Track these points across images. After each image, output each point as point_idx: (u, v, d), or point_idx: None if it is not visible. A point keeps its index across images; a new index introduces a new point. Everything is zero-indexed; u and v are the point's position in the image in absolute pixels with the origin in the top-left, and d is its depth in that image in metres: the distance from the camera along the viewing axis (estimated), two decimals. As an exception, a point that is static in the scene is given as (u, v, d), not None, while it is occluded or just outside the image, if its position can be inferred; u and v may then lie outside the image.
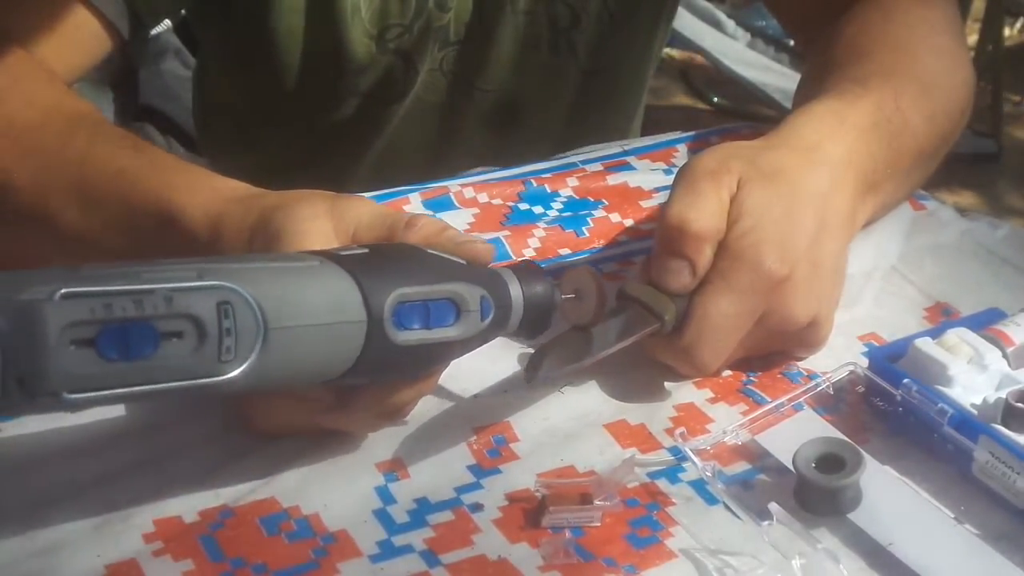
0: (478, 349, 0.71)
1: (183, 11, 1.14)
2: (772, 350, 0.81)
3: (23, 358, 0.55)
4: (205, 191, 0.76)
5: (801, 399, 0.77)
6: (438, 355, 0.69)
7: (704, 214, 0.77)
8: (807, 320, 0.78)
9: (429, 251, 0.69)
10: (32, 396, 0.56)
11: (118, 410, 0.76)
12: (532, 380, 0.72)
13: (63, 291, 0.56)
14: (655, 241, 0.79)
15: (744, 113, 2.98)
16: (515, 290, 0.71)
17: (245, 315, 0.60)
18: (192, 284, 0.59)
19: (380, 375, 0.68)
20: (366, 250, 0.68)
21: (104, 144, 0.83)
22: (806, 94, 0.92)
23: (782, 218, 0.78)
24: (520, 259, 0.72)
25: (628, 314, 0.77)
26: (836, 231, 0.81)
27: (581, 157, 1.03)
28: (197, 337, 0.59)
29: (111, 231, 0.79)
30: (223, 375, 0.60)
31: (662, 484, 0.72)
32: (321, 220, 0.70)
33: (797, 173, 0.80)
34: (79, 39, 0.95)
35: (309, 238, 0.69)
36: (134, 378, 0.58)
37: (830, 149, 0.83)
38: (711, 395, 0.79)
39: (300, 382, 0.66)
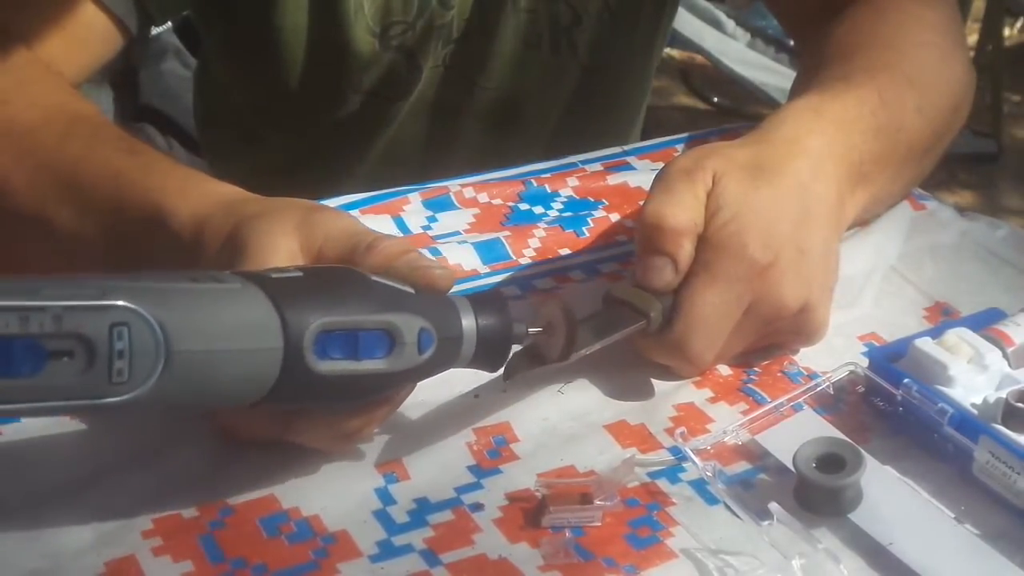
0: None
1: (187, 10, 1.14)
2: (770, 342, 0.81)
3: None
4: (196, 195, 0.76)
5: (801, 399, 0.77)
6: (369, 386, 0.67)
7: (680, 209, 0.77)
8: (798, 305, 0.78)
9: (373, 278, 0.67)
10: None
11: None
12: (510, 378, 0.72)
13: None
14: (636, 243, 0.79)
15: (744, 113, 2.98)
16: (468, 322, 0.68)
17: (143, 337, 0.59)
18: (86, 303, 0.58)
19: (304, 403, 0.67)
20: (300, 274, 0.66)
21: (101, 147, 0.84)
22: (795, 93, 0.93)
23: (762, 206, 0.78)
24: (487, 288, 0.70)
25: (612, 313, 0.77)
26: (822, 219, 0.81)
27: (581, 157, 1.03)
28: (86, 358, 0.58)
29: (104, 233, 0.80)
30: (115, 396, 0.59)
31: (662, 484, 0.72)
32: (287, 236, 0.70)
33: (775, 164, 0.81)
34: (89, 38, 0.96)
35: (272, 253, 0.69)
36: (16, 395, 0.57)
37: (809, 142, 0.83)
38: (711, 395, 0.79)
39: (213, 404, 0.65)
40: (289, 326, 0.63)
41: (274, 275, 0.65)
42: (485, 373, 0.75)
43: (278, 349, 0.63)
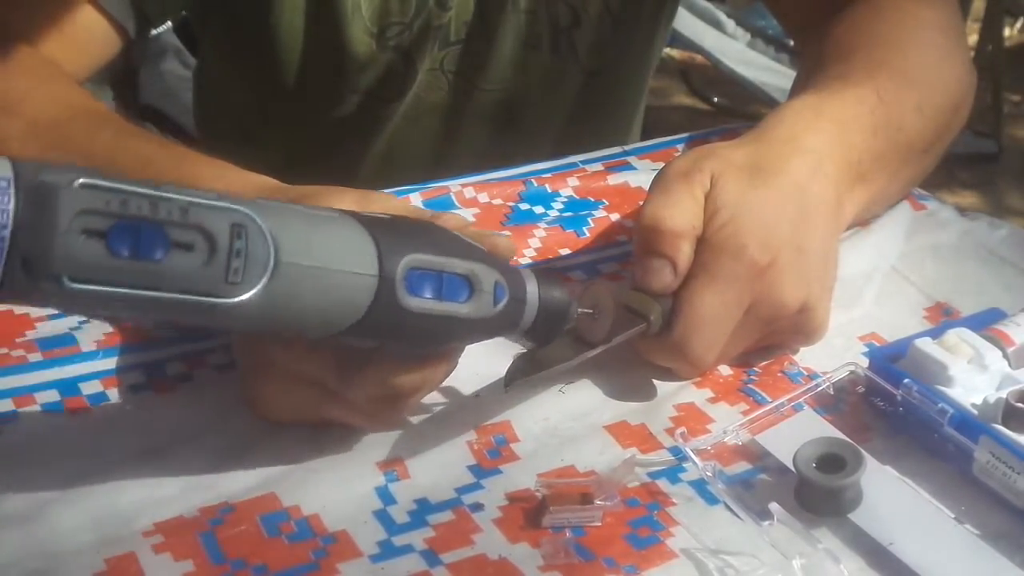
0: (480, 347, 0.71)
1: (185, 11, 1.15)
2: (770, 343, 0.81)
3: (31, 238, 0.56)
4: (233, 180, 0.78)
5: (801, 399, 0.77)
6: (446, 330, 0.68)
7: (678, 211, 0.77)
8: (797, 305, 0.78)
9: (454, 233, 0.69)
10: (35, 278, 0.56)
11: (118, 409, 0.76)
12: (512, 383, 0.73)
13: (82, 180, 0.57)
14: (634, 245, 0.79)
15: (744, 113, 2.98)
16: (532, 288, 0.71)
17: (257, 242, 0.61)
18: (209, 202, 0.60)
19: (386, 337, 0.68)
20: (388, 217, 0.68)
21: (131, 138, 0.84)
22: (794, 93, 0.93)
23: (760, 207, 0.78)
24: (549, 268, 0.72)
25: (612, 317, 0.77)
26: (820, 218, 0.81)
27: (581, 157, 1.03)
28: (207, 252, 0.60)
29: None
30: (227, 297, 0.60)
31: (662, 484, 0.72)
32: (349, 208, 0.70)
33: (772, 164, 0.80)
34: (87, 40, 0.96)
35: None
36: (138, 280, 0.59)
37: (807, 141, 0.83)
38: (711, 395, 0.79)
39: (305, 325, 0.66)
40: (384, 257, 0.65)
41: (366, 214, 0.67)
42: (486, 372, 0.75)
43: (374, 276, 0.64)
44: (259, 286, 0.61)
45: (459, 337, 0.70)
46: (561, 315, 0.72)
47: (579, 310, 0.73)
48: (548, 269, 0.74)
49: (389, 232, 0.66)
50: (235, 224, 0.60)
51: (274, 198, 0.73)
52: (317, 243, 0.63)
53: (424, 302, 0.66)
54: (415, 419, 0.76)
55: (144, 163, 0.81)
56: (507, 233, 0.90)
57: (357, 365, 0.69)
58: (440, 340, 0.69)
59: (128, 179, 0.58)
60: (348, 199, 0.72)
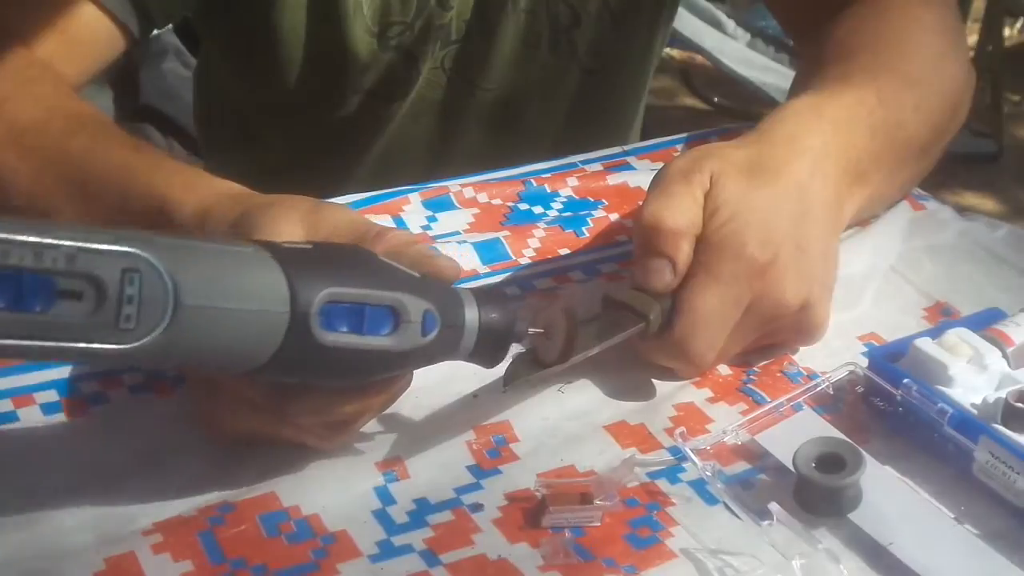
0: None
1: (189, 11, 1.14)
2: (770, 342, 0.81)
3: None
4: (201, 188, 0.77)
5: (801, 399, 0.77)
6: (371, 364, 0.66)
7: (678, 210, 0.77)
8: (798, 303, 0.78)
9: (382, 258, 0.67)
10: None
11: (117, 409, 0.76)
12: (509, 384, 0.72)
13: None
14: (634, 245, 0.79)
15: (744, 113, 2.98)
16: (471, 313, 0.68)
17: (154, 286, 0.59)
18: (100, 246, 0.58)
19: (306, 375, 0.66)
20: (310, 246, 0.67)
21: (105, 143, 0.84)
22: (794, 93, 0.93)
23: (760, 205, 0.78)
24: (492, 287, 0.70)
25: (611, 316, 0.77)
26: (820, 217, 0.81)
27: (581, 157, 1.03)
28: (95, 300, 0.58)
29: (109, 226, 0.80)
30: (121, 343, 0.59)
31: (662, 484, 0.72)
32: (293, 224, 0.70)
33: (773, 163, 0.81)
34: (90, 40, 0.96)
35: (277, 238, 0.68)
36: (23, 331, 0.57)
37: (807, 141, 0.83)
38: (711, 395, 0.79)
39: (217, 365, 0.65)
40: (297, 292, 0.63)
41: (284, 245, 0.66)
42: (486, 372, 0.75)
43: (284, 313, 0.63)
44: (157, 331, 0.59)
45: (387, 369, 0.68)
46: (503, 336, 0.70)
47: (531, 330, 0.71)
48: (492, 289, 0.71)
49: (306, 265, 0.64)
50: (127, 269, 0.58)
51: (239, 202, 0.73)
52: (222, 282, 0.61)
53: (342, 336, 0.64)
54: (415, 418, 0.76)
55: (116, 170, 0.81)
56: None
57: (296, 393, 0.68)
58: (366, 373, 0.67)
59: (16, 223, 0.57)
60: (299, 211, 0.71)
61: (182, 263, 0.60)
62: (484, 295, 0.70)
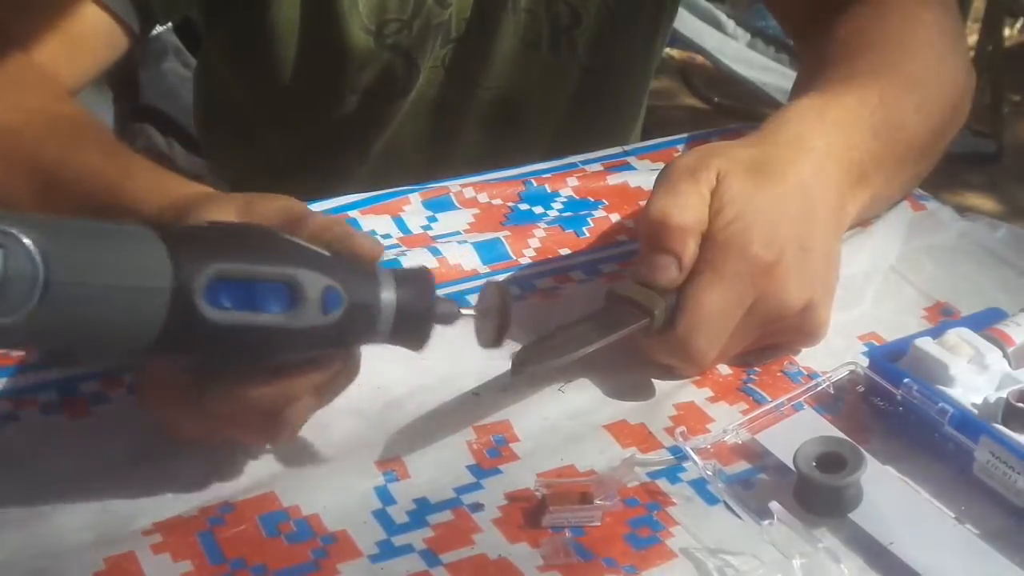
0: (480, 348, 0.70)
1: (191, 8, 1.14)
2: (771, 342, 0.81)
3: None
4: (165, 196, 0.76)
5: (801, 398, 0.77)
6: (267, 343, 0.64)
7: (685, 208, 0.77)
8: (801, 304, 0.79)
9: (283, 236, 0.66)
10: None
11: (117, 409, 0.76)
12: (518, 375, 0.72)
13: None
14: (640, 241, 0.79)
15: (744, 113, 2.98)
16: (387, 294, 0.66)
17: (20, 262, 0.57)
18: None
19: (198, 351, 0.65)
20: (205, 225, 0.66)
21: (80, 149, 0.84)
22: (796, 94, 0.93)
23: (765, 205, 0.78)
24: (417, 267, 0.69)
25: (616, 311, 0.77)
26: (824, 218, 0.81)
27: (581, 157, 1.03)
28: None
29: None
30: None
31: (662, 484, 0.72)
32: (225, 216, 0.70)
33: (778, 164, 0.81)
34: (92, 39, 0.96)
35: None
36: None
37: (811, 142, 0.83)
38: (711, 394, 0.79)
39: (97, 344, 0.63)
40: (180, 268, 0.61)
41: (177, 226, 0.65)
42: (486, 371, 0.75)
43: (165, 290, 0.61)
44: (26, 308, 0.58)
45: (287, 348, 0.65)
46: (424, 318, 0.68)
47: (462, 311, 0.69)
48: (416, 270, 0.69)
49: (193, 241, 0.63)
50: None
51: (183, 208, 0.71)
52: (98, 258, 0.60)
53: (231, 314, 0.62)
54: (414, 418, 0.76)
55: (86, 179, 0.81)
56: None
57: (209, 377, 0.67)
58: (266, 352, 0.65)
59: None
60: (234, 204, 0.70)
61: (54, 240, 0.59)
62: (404, 276, 0.68)
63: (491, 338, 0.70)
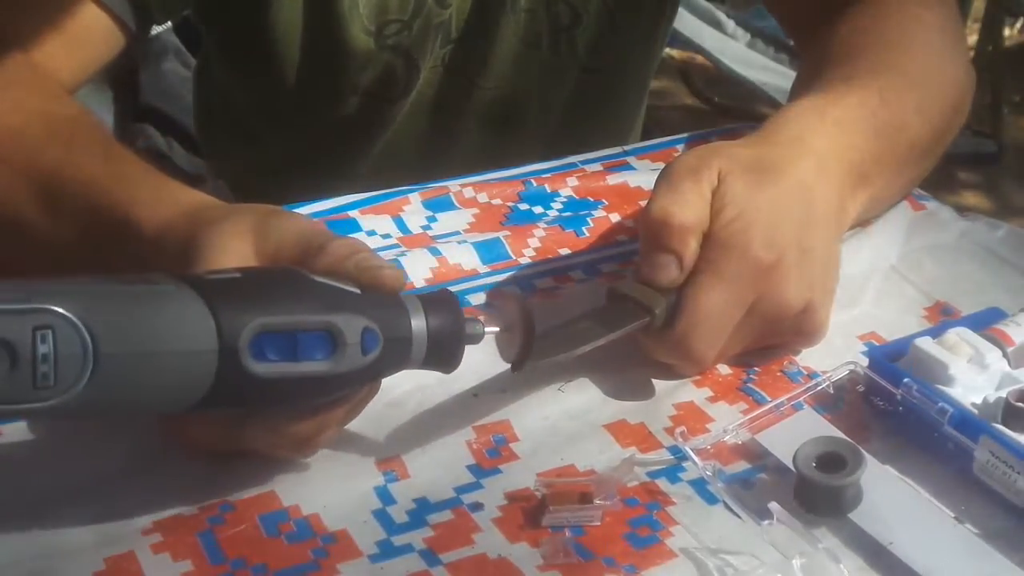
0: (480, 347, 0.70)
1: (188, 8, 1.14)
2: (770, 342, 0.81)
3: None
4: (164, 203, 0.76)
5: (801, 398, 0.77)
6: (312, 389, 0.65)
7: (686, 207, 0.77)
8: (800, 305, 0.79)
9: (315, 279, 0.66)
10: None
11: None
12: (518, 370, 0.72)
13: None
14: (641, 239, 0.79)
15: (744, 113, 2.98)
16: (418, 322, 0.67)
17: (69, 340, 0.58)
18: (7, 307, 0.57)
19: (244, 405, 0.66)
20: (238, 275, 0.65)
21: (78, 153, 0.84)
22: (796, 94, 0.93)
23: (766, 206, 0.78)
24: (440, 291, 0.70)
25: (616, 309, 0.77)
26: (824, 219, 0.81)
27: (581, 157, 1.03)
28: (9, 362, 0.57)
29: (79, 239, 0.80)
30: (41, 401, 0.58)
31: (662, 483, 0.72)
32: (241, 239, 0.70)
33: (779, 164, 0.81)
34: (89, 39, 0.96)
35: (224, 257, 0.69)
36: None
37: (812, 142, 0.83)
38: (711, 394, 0.79)
39: (149, 409, 0.64)
40: (223, 327, 0.62)
41: (210, 276, 0.64)
42: (486, 371, 0.75)
43: (212, 351, 0.62)
44: (80, 385, 0.58)
45: (331, 391, 0.67)
46: (455, 340, 0.69)
47: (486, 330, 0.70)
48: (439, 293, 0.70)
49: (233, 297, 0.63)
50: (39, 327, 0.57)
51: (195, 219, 0.71)
52: (143, 326, 0.60)
53: (276, 366, 0.63)
54: (414, 418, 0.76)
55: (85, 182, 0.81)
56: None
57: (248, 417, 0.68)
58: (308, 398, 0.66)
59: None
60: (247, 225, 0.70)
61: (98, 311, 0.59)
62: (431, 301, 0.69)
63: (515, 354, 0.71)
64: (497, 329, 0.71)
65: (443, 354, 0.69)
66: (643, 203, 0.83)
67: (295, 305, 0.64)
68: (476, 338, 0.70)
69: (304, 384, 0.64)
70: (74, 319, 0.58)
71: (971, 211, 0.99)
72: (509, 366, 0.73)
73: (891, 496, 0.70)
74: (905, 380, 0.74)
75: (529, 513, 0.70)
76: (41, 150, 0.84)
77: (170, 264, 0.71)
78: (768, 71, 2.93)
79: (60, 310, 0.58)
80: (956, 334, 0.76)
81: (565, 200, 0.97)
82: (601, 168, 1.01)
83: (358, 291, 0.66)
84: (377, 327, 0.65)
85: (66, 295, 0.58)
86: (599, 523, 0.69)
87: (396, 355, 0.67)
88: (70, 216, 0.80)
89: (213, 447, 0.71)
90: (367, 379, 0.68)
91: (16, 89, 0.89)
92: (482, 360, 0.75)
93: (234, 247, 0.69)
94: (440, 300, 0.69)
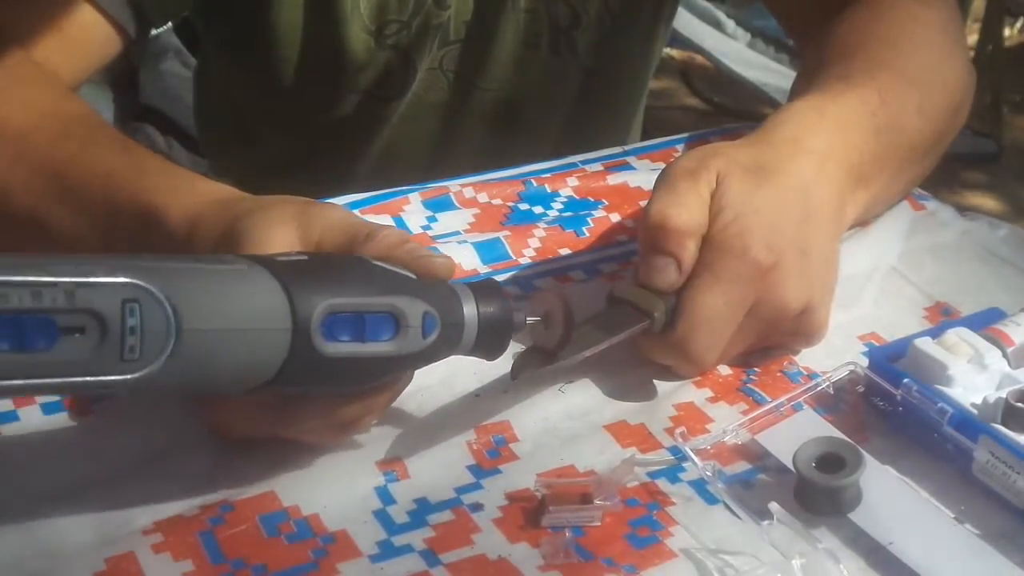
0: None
1: (186, 12, 1.14)
2: (770, 343, 0.81)
3: None
4: (187, 193, 0.76)
5: (801, 399, 0.77)
6: (375, 370, 0.67)
7: (685, 210, 0.77)
8: (800, 307, 0.79)
9: (376, 263, 0.67)
10: None
11: (117, 409, 0.76)
12: (517, 377, 0.72)
13: None
14: (639, 242, 0.79)
15: (744, 113, 2.98)
16: (469, 309, 0.69)
17: (154, 314, 0.58)
18: (98, 280, 0.57)
19: (311, 386, 0.66)
20: (305, 257, 0.66)
21: (95, 148, 0.83)
22: (795, 94, 0.93)
23: (765, 207, 0.78)
24: (483, 276, 0.70)
25: (616, 313, 0.77)
26: (823, 220, 0.81)
27: (581, 157, 1.03)
28: (99, 333, 0.57)
29: (100, 233, 0.79)
30: (126, 374, 0.59)
31: (662, 484, 0.72)
32: (286, 227, 0.70)
33: (777, 165, 0.81)
34: (87, 41, 0.95)
35: (270, 244, 0.69)
36: (28, 371, 0.57)
37: (810, 142, 0.83)
38: (711, 394, 0.79)
39: (222, 386, 0.64)
40: (297, 307, 0.63)
41: (279, 258, 0.65)
42: (486, 371, 0.75)
43: (287, 330, 0.63)
44: (162, 358, 0.59)
45: (390, 373, 0.68)
46: (503, 328, 0.70)
47: (528, 319, 0.72)
48: (487, 282, 0.72)
49: (304, 278, 0.64)
50: (127, 300, 0.58)
51: (227, 208, 0.72)
52: (223, 304, 0.61)
53: (345, 346, 0.64)
54: (415, 418, 0.76)
55: (104, 175, 0.80)
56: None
57: (300, 399, 0.68)
58: (369, 378, 0.68)
59: (12, 263, 0.56)
60: (290, 214, 0.70)
61: (181, 288, 0.60)
62: (480, 289, 0.70)
63: (554, 344, 0.72)
64: (537, 319, 0.72)
65: (492, 341, 0.70)
66: (643, 203, 0.84)
67: (362, 287, 0.65)
68: (519, 326, 0.71)
69: (368, 365, 0.66)
70: (159, 294, 0.59)
71: (972, 211, 0.99)
72: (508, 367, 0.73)
73: (891, 496, 0.70)
74: (905, 380, 0.74)
75: (529, 513, 0.70)
76: (56, 146, 0.84)
77: (200, 252, 0.71)
78: (768, 71, 2.94)
79: (146, 284, 0.58)
80: (956, 334, 0.76)
81: (565, 200, 0.97)
82: (601, 168, 1.01)
83: (414, 276, 0.68)
84: (435, 311, 0.67)
85: (149, 271, 0.59)
86: (599, 523, 0.69)
87: (450, 340, 0.69)
88: (90, 210, 0.80)
89: (249, 432, 0.71)
90: (422, 362, 0.69)
91: (26, 87, 0.89)
92: (482, 360, 0.75)
93: (280, 234, 0.69)
94: (488, 288, 0.71)
